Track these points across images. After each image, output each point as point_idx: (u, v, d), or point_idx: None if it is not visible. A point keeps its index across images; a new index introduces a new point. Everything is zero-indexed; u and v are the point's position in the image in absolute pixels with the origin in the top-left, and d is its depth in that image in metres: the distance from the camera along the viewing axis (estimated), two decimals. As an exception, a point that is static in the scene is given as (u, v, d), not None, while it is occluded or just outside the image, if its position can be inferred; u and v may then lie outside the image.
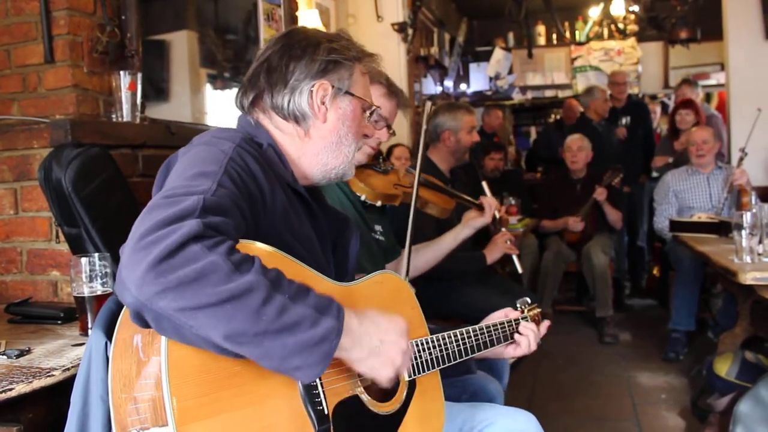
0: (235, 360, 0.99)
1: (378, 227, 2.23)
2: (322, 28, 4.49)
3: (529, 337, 1.61)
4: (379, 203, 2.19)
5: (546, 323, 1.71)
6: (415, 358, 1.33)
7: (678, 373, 3.75)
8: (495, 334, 1.57)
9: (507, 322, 1.61)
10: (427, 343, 1.38)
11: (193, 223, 0.93)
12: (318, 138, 1.34)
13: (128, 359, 1.01)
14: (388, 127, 2.15)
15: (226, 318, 0.90)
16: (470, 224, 2.45)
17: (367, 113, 1.41)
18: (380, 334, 1.10)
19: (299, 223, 1.28)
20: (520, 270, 2.73)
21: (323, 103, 1.32)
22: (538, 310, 1.73)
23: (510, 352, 1.62)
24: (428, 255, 2.39)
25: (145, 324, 0.95)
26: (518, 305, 1.69)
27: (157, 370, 0.95)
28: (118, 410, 1.01)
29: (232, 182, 1.08)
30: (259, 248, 1.09)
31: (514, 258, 2.71)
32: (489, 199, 2.48)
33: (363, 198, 2.16)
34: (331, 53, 1.32)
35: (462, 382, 1.90)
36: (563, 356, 4.21)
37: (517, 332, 1.61)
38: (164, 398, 0.93)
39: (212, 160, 1.11)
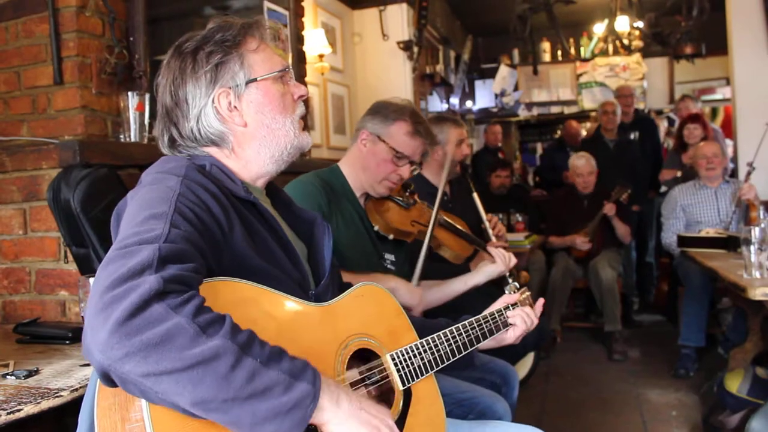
0: None
1: (390, 256, 2.16)
2: (328, 48, 4.53)
3: (521, 317, 1.60)
4: (391, 237, 2.13)
5: (540, 301, 1.71)
6: (408, 366, 1.31)
7: (688, 389, 3.71)
8: (486, 326, 1.55)
9: (497, 312, 1.60)
10: (417, 348, 1.35)
11: (152, 280, 0.89)
12: (248, 141, 1.29)
13: (112, 417, 0.97)
14: (412, 162, 2.09)
15: (192, 384, 0.86)
16: (484, 272, 2.23)
17: (285, 78, 1.33)
18: (361, 402, 1.05)
19: (262, 243, 1.21)
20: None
21: (234, 108, 1.27)
22: (528, 293, 1.71)
23: (510, 337, 1.61)
24: (437, 295, 2.24)
25: (113, 385, 0.91)
26: (507, 291, 1.69)
27: (142, 428, 0.92)
28: None
29: (185, 220, 1.04)
30: (224, 283, 1.06)
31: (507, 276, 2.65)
32: (502, 253, 2.27)
33: (376, 229, 2.11)
34: (211, 58, 1.25)
35: (469, 402, 1.88)
36: (572, 373, 4.18)
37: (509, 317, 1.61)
38: None
39: (160, 199, 1.06)
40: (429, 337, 1.39)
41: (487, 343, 1.55)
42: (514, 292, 1.69)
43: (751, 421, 2.38)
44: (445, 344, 1.41)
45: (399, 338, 1.36)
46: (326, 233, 1.41)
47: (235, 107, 1.27)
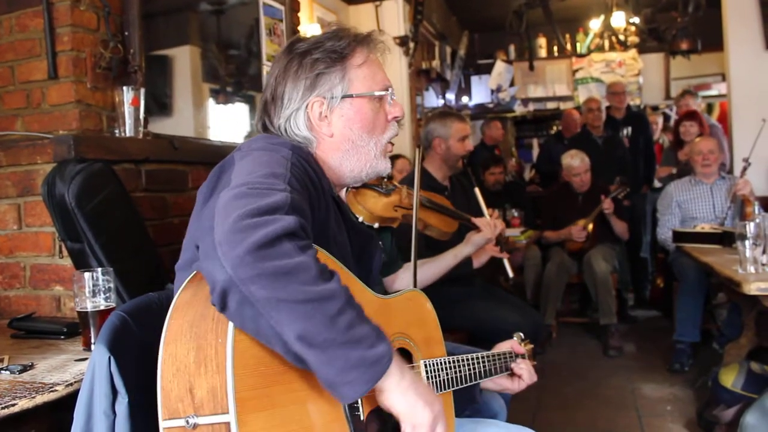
0: None
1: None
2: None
3: (528, 372, 1.64)
4: (376, 225, 2.15)
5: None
6: (437, 376, 1.35)
7: (683, 384, 3.73)
8: (498, 364, 1.59)
9: (508, 354, 1.64)
10: (446, 363, 1.40)
11: (291, 219, 0.97)
12: (331, 151, 1.33)
13: (185, 344, 1.01)
14: None
15: (305, 317, 0.93)
16: (472, 241, 2.41)
17: (382, 99, 1.36)
18: (417, 381, 1.10)
19: (339, 232, 1.29)
20: (510, 274, 2.70)
21: (324, 118, 1.30)
22: (531, 346, 1.76)
23: (516, 386, 1.65)
24: (429, 271, 2.36)
25: (223, 306, 0.96)
26: (515, 338, 1.72)
27: (221, 358, 0.97)
28: (167, 395, 1.00)
29: (299, 184, 1.11)
30: (321, 254, 1.11)
31: (505, 262, 2.68)
32: (485, 220, 2.43)
33: (361, 219, 2.11)
34: (315, 65, 1.29)
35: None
36: (567, 368, 4.19)
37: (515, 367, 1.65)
38: (227, 386, 0.95)
39: (277, 163, 1.13)
40: (456, 357, 1.44)
41: (490, 385, 1.61)
42: (520, 343, 1.71)
43: (746, 416, 2.39)
44: (467, 368, 1.46)
45: (432, 348, 1.41)
46: (378, 251, 1.49)
47: (326, 117, 1.31)
